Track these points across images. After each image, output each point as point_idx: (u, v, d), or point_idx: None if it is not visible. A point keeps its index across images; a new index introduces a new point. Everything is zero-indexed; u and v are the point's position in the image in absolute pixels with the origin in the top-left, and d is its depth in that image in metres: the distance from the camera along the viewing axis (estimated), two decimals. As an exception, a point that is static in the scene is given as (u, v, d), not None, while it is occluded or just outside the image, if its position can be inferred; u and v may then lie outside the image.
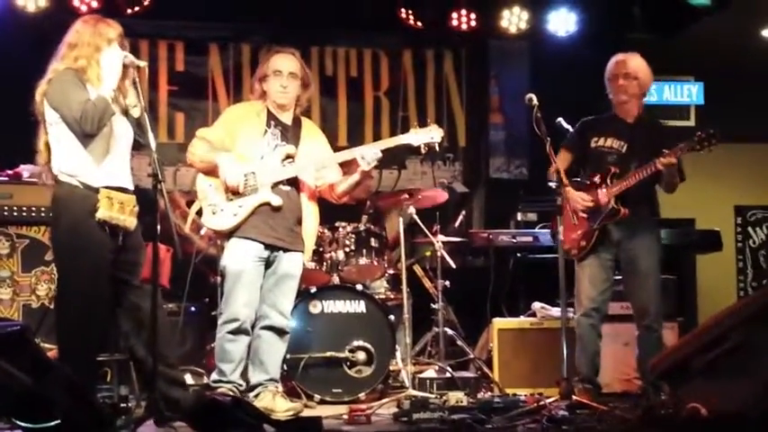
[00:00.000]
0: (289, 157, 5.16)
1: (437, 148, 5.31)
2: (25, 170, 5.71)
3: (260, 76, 5.28)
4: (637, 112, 5.51)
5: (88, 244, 4.39)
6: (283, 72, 5.20)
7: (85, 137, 4.38)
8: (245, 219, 5.05)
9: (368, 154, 5.18)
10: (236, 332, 5.03)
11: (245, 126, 5.19)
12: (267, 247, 5.09)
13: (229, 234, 5.08)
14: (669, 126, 5.68)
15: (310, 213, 5.27)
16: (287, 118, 5.28)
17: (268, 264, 5.13)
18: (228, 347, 5.05)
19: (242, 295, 5.03)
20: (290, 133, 5.25)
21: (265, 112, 5.23)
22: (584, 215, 5.37)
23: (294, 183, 5.19)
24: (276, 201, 5.07)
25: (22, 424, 3.78)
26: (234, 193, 5.06)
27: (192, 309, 5.92)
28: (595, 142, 5.47)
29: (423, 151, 5.31)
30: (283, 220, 5.12)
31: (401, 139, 5.33)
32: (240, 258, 5.04)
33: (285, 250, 5.13)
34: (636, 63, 5.50)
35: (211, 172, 5.10)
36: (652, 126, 5.57)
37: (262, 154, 5.14)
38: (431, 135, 5.25)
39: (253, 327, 5.13)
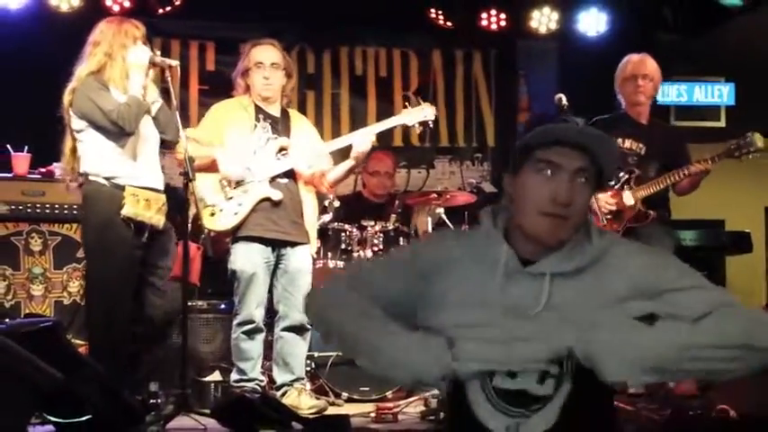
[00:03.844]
0: (282, 149, 5.14)
1: (430, 125, 5.38)
2: (57, 168, 5.75)
3: (242, 71, 5.23)
4: (649, 113, 5.50)
5: (114, 241, 4.46)
6: (265, 63, 5.16)
7: (121, 137, 4.46)
8: (246, 216, 5.03)
9: (361, 138, 5.20)
10: (250, 332, 5.06)
11: (233, 122, 5.16)
12: (273, 246, 5.08)
13: (232, 233, 5.06)
14: (679, 127, 5.66)
15: (309, 203, 5.26)
16: (275, 110, 5.25)
17: (277, 261, 5.13)
18: (245, 346, 5.07)
19: (255, 298, 5.04)
20: (280, 125, 5.23)
21: (252, 107, 5.20)
22: (609, 217, 5.33)
23: (291, 175, 5.16)
24: (276, 195, 5.05)
25: (54, 419, 3.82)
26: (233, 188, 5.04)
27: (222, 306, 5.95)
28: None
29: (417, 131, 5.36)
30: (285, 213, 5.10)
31: (395, 121, 5.39)
32: (249, 263, 5.03)
33: (292, 245, 5.12)
34: (653, 64, 5.47)
35: (206, 169, 5.05)
36: (665, 128, 5.56)
37: (254, 149, 5.11)
38: (424, 113, 5.29)
39: (270, 326, 5.17)
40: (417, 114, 5.29)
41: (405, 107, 5.38)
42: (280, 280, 5.15)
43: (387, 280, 2.46)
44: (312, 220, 5.28)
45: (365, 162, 5.96)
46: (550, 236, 2.27)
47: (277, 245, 5.10)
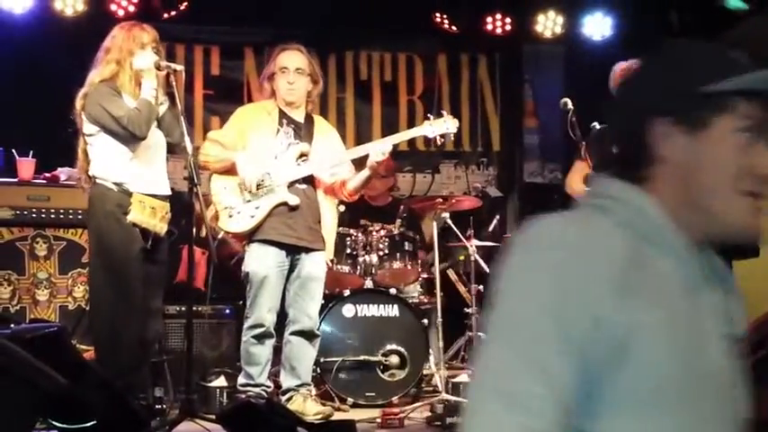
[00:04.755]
0: (303, 155, 5.13)
1: (451, 138, 5.37)
2: (62, 173, 5.77)
3: (267, 75, 5.24)
4: None
5: (119, 243, 4.47)
6: (290, 69, 5.16)
7: (132, 142, 4.48)
8: (262, 220, 5.02)
9: (380, 147, 5.18)
10: (260, 336, 5.04)
11: (256, 126, 5.16)
12: (288, 251, 5.07)
13: (249, 236, 5.06)
14: None
15: (328, 210, 5.26)
16: (298, 115, 5.25)
17: (291, 267, 5.12)
18: (254, 351, 5.05)
19: (266, 301, 5.03)
20: (303, 131, 5.22)
21: (277, 111, 5.20)
22: None
23: (310, 181, 5.16)
24: (293, 200, 5.05)
25: (58, 425, 3.82)
26: (250, 192, 5.04)
27: (227, 311, 5.94)
28: None
29: (438, 143, 5.33)
30: (302, 219, 5.09)
31: (416, 132, 5.38)
32: (263, 265, 5.02)
33: (307, 251, 5.11)
34: None
35: (227, 172, 5.08)
36: None
37: (275, 153, 5.11)
38: (446, 126, 5.26)
39: (279, 331, 5.15)
40: (440, 127, 5.25)
41: (426, 118, 5.34)
42: (292, 284, 5.14)
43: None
44: (330, 226, 5.27)
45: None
46: (754, 227, 1.50)
47: (292, 250, 5.09)
